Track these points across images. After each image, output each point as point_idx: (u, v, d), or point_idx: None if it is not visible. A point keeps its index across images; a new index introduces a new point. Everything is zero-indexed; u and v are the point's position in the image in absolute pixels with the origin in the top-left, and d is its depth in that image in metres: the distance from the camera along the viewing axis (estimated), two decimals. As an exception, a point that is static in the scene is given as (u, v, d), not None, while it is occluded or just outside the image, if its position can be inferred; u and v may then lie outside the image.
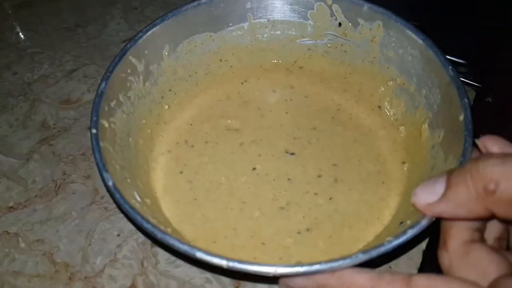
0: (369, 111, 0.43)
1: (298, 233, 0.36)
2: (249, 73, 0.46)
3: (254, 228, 0.37)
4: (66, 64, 0.52)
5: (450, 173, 0.27)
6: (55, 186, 0.42)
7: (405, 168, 0.39)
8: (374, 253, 0.28)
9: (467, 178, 0.26)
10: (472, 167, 0.26)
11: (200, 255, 0.28)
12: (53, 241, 0.39)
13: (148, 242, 0.38)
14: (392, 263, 0.37)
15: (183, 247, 0.28)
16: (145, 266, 0.37)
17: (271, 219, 0.37)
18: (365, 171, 0.39)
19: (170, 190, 0.39)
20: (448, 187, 0.27)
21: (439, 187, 0.27)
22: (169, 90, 0.43)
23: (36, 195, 0.41)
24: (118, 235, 0.39)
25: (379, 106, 0.43)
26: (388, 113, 0.42)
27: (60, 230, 0.39)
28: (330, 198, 0.38)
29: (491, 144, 0.30)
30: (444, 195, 0.27)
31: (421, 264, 0.37)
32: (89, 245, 0.38)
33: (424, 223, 0.29)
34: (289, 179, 0.39)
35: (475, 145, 0.32)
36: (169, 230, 0.32)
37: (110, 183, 0.31)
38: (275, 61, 0.46)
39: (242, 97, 0.45)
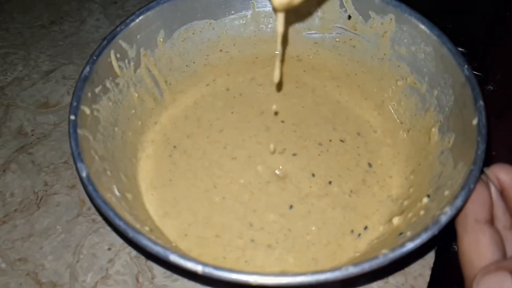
0: (375, 111, 0.40)
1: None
2: (250, 66, 0.43)
3: (247, 232, 0.34)
4: (42, 65, 0.48)
5: None
6: (37, 199, 0.38)
7: (411, 174, 0.36)
8: (366, 266, 0.25)
9: None
10: None
11: (174, 258, 0.26)
12: (37, 259, 0.35)
13: (143, 255, 0.35)
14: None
15: (156, 248, 0.26)
16: (140, 281, 0.34)
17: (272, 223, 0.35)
18: (365, 174, 0.37)
19: (157, 186, 0.36)
20: None
21: None
22: (165, 81, 0.40)
23: (15, 209, 0.38)
24: (109, 249, 0.36)
25: (385, 107, 0.40)
26: (395, 115, 0.39)
27: (44, 247, 0.36)
28: (320, 199, 0.36)
29: (503, 174, 0.28)
30: None
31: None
32: (78, 261, 0.35)
33: (424, 236, 0.26)
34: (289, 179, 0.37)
35: (482, 172, 0.29)
36: (146, 228, 0.30)
37: (83, 174, 0.28)
38: (279, 54, 0.43)
39: (241, 90, 0.42)
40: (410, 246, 0.26)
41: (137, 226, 0.28)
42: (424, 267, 0.34)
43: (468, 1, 0.50)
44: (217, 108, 0.41)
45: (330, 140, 0.39)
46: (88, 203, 0.38)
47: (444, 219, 0.26)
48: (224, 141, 0.39)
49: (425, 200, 0.31)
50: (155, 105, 0.40)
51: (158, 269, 0.35)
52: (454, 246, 0.35)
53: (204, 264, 0.25)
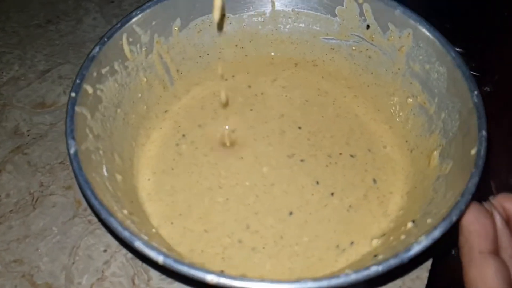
0: (386, 125, 0.39)
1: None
2: (268, 67, 0.43)
3: (239, 233, 0.34)
4: (38, 64, 0.47)
5: None
6: (32, 199, 0.38)
7: (405, 195, 0.35)
8: (324, 284, 0.25)
9: None
10: None
11: (138, 245, 0.26)
12: (32, 261, 0.35)
13: (138, 257, 0.35)
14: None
15: (124, 233, 0.26)
16: (136, 283, 0.34)
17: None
18: (368, 189, 0.36)
19: (156, 171, 0.37)
20: None
21: None
22: (176, 70, 0.41)
23: (11, 210, 0.37)
24: (105, 250, 0.35)
25: (394, 120, 0.39)
26: (400, 133, 0.38)
27: (40, 248, 0.36)
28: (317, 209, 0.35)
29: (509, 204, 0.28)
30: None
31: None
32: (73, 263, 0.35)
33: (391, 262, 0.25)
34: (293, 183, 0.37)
35: (485, 199, 0.28)
36: (125, 211, 0.30)
37: (71, 151, 0.29)
38: (294, 57, 0.43)
39: (263, 90, 0.42)
40: (374, 269, 0.25)
41: (115, 208, 0.29)
42: (421, 269, 0.34)
43: (467, 1, 0.49)
44: (236, 102, 0.41)
45: (340, 154, 0.38)
46: (84, 204, 0.37)
47: (416, 248, 0.25)
48: (234, 137, 0.39)
49: (410, 225, 0.30)
50: (164, 92, 0.40)
51: (154, 271, 0.34)
52: (452, 250, 0.35)
53: (166, 255, 0.25)
